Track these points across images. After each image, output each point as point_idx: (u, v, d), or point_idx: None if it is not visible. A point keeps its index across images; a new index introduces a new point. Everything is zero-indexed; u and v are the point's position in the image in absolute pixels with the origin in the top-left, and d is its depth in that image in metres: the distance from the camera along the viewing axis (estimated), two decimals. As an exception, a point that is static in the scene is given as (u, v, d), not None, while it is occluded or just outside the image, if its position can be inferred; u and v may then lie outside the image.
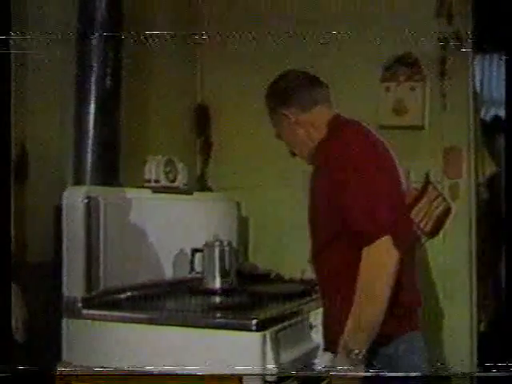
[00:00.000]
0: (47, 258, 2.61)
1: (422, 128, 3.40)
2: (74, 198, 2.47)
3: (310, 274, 2.72)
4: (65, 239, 2.46)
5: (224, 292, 2.79)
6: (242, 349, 2.16)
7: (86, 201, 2.45)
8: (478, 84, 3.61)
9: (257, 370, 2.13)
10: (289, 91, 2.22)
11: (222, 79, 3.68)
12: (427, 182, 3.35)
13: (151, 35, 2.97)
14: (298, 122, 2.18)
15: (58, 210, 2.52)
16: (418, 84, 3.41)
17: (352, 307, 1.89)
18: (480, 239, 3.42)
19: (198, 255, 2.89)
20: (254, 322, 2.17)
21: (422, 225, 3.29)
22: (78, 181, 2.67)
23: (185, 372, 2.14)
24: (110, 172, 2.75)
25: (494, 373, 1.88)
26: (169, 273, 2.86)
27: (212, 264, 2.83)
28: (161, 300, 2.63)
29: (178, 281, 2.87)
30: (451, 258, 3.35)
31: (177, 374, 2.14)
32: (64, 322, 2.41)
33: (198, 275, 2.87)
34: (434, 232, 3.35)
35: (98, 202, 2.48)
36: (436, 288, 3.33)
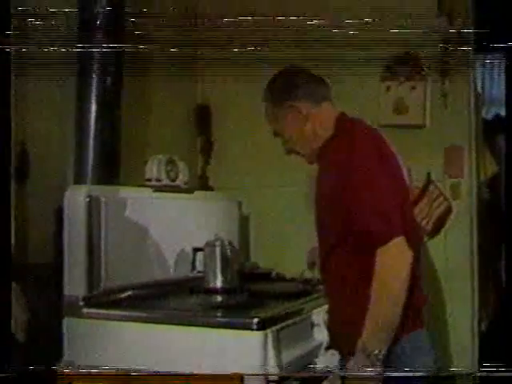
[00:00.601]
0: (48, 257, 2.61)
1: (422, 127, 3.41)
2: (75, 198, 2.46)
3: (310, 273, 2.74)
4: (66, 238, 2.45)
5: (225, 291, 2.78)
6: (244, 348, 2.15)
7: (87, 200, 2.45)
8: (479, 83, 3.61)
9: (258, 369, 2.12)
10: (299, 84, 2.17)
11: (223, 78, 3.68)
12: (428, 181, 3.36)
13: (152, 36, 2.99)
14: (307, 117, 2.13)
15: (59, 210, 2.51)
16: (419, 83, 3.42)
17: (369, 308, 1.88)
18: (481, 238, 3.42)
19: (199, 254, 2.88)
20: (256, 321, 2.16)
21: (423, 224, 3.30)
22: (79, 180, 2.67)
23: (186, 371, 2.14)
24: (111, 171, 2.75)
25: (495, 373, 1.88)
26: (170, 272, 2.86)
27: (213, 263, 2.82)
28: (162, 299, 2.63)
29: (179, 280, 2.87)
30: (452, 257, 3.35)
31: (177, 373, 2.14)
32: (65, 321, 2.40)
33: (199, 274, 2.86)
34: (434, 231, 3.36)
35: (100, 202, 2.48)
36: (437, 287, 3.33)
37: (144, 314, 2.38)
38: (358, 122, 2.12)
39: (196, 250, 2.88)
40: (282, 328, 2.27)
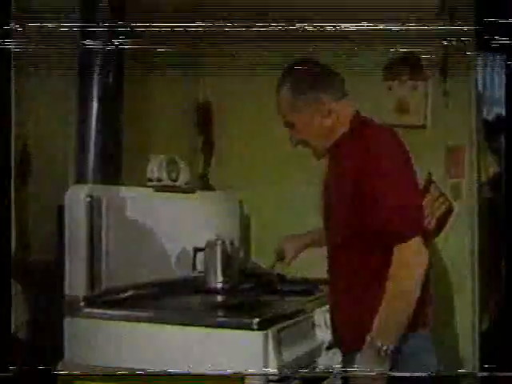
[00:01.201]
0: (49, 256, 2.61)
1: (424, 127, 3.41)
2: (77, 197, 2.46)
3: (311, 272, 2.74)
4: (67, 238, 2.45)
5: (226, 291, 2.79)
6: (244, 347, 2.16)
7: (88, 199, 2.45)
8: (480, 83, 3.61)
9: (259, 368, 2.12)
10: (324, 76, 2.12)
11: (224, 78, 3.68)
12: (429, 181, 3.35)
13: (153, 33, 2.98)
14: (329, 110, 2.07)
15: (60, 209, 2.52)
16: (421, 83, 3.42)
17: (382, 304, 1.88)
18: (482, 239, 3.42)
19: (200, 254, 2.89)
20: (256, 320, 2.16)
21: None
22: (81, 179, 2.67)
23: (186, 371, 2.14)
24: (112, 171, 2.75)
25: (496, 373, 1.88)
26: (171, 272, 2.86)
27: (214, 263, 2.83)
28: (163, 299, 2.63)
29: (180, 280, 2.87)
30: (453, 257, 3.35)
31: (178, 373, 2.14)
32: (66, 320, 2.40)
33: (200, 274, 2.87)
34: (436, 231, 3.35)
35: (101, 201, 2.48)
36: (438, 287, 3.32)
37: (145, 314, 2.38)
38: (372, 121, 2.11)
39: (197, 249, 2.89)
40: (283, 328, 2.28)
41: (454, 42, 3.36)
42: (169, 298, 2.66)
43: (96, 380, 2.25)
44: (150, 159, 2.89)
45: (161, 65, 3.39)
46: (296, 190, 3.50)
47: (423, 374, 1.86)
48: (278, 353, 2.19)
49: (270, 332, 2.17)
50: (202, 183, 3.70)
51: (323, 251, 2.16)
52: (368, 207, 1.92)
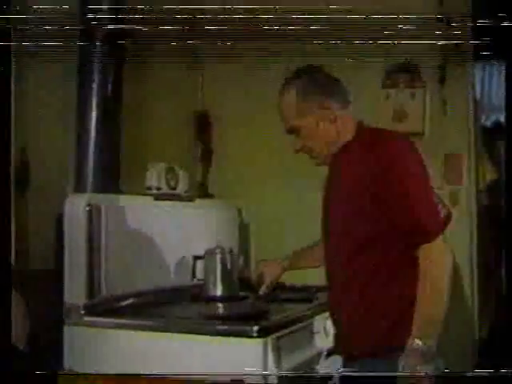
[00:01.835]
0: (49, 265, 2.62)
1: (422, 134, 3.42)
2: (76, 206, 2.47)
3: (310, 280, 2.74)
4: (66, 246, 2.45)
5: (225, 299, 2.79)
6: (244, 355, 2.15)
7: (87, 208, 2.45)
8: (478, 90, 3.62)
9: (258, 377, 2.12)
10: (330, 83, 2.14)
11: (223, 87, 3.70)
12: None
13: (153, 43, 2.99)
14: (336, 117, 2.09)
15: (59, 218, 2.52)
16: (419, 90, 3.44)
17: (418, 306, 1.89)
18: (480, 245, 3.43)
19: (199, 262, 2.89)
20: (256, 328, 2.16)
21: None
22: (80, 188, 2.68)
23: (186, 378, 2.14)
24: (111, 179, 2.76)
25: (494, 373, 1.89)
26: (170, 280, 2.86)
27: (213, 271, 2.83)
28: (162, 307, 2.63)
29: (180, 288, 2.87)
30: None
31: (178, 380, 2.14)
32: (65, 328, 2.40)
33: (200, 282, 2.87)
34: (434, 238, 3.35)
35: (100, 210, 2.48)
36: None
37: (144, 322, 2.38)
38: (376, 129, 2.13)
39: (196, 257, 2.89)
40: (283, 335, 2.27)
41: (451, 50, 3.38)
42: (168, 306, 2.66)
43: (98, 380, 2.24)
44: (148, 168, 2.90)
45: (160, 73, 3.42)
46: (295, 198, 3.51)
47: (423, 374, 1.85)
48: (278, 360, 2.19)
49: (269, 339, 2.17)
50: (201, 191, 3.71)
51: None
52: (391, 209, 1.93)
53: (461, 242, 3.35)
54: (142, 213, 2.72)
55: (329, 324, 2.29)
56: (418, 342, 1.87)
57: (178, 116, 3.62)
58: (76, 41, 2.75)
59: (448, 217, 1.96)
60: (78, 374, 2.28)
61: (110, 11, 2.74)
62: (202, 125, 3.76)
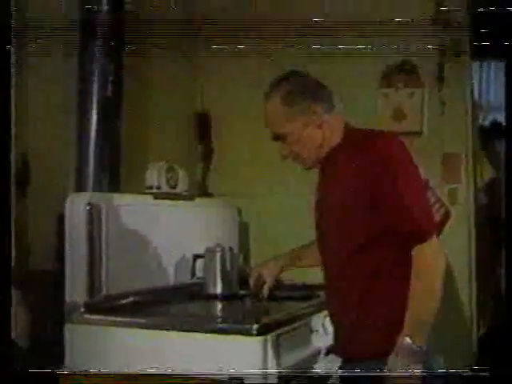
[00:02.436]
0: (50, 264, 2.63)
1: (420, 134, 3.43)
2: (76, 205, 2.49)
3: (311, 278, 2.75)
4: (67, 245, 2.47)
5: (225, 297, 2.81)
6: (244, 353, 2.17)
7: (87, 207, 2.47)
8: (476, 89, 3.64)
9: (257, 374, 2.13)
10: (314, 88, 2.11)
11: (223, 86, 3.71)
12: (426, 187, 3.37)
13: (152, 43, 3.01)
14: (322, 122, 2.08)
15: (60, 217, 2.54)
16: (417, 90, 3.45)
17: (411, 305, 1.90)
18: (479, 244, 3.44)
19: (199, 261, 2.91)
20: (255, 326, 2.17)
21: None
22: (80, 187, 2.70)
23: (186, 376, 2.15)
24: (111, 179, 2.77)
25: (492, 373, 1.90)
26: (170, 278, 2.87)
27: (213, 269, 2.85)
28: (162, 305, 2.64)
29: (180, 286, 2.89)
30: (450, 262, 3.36)
31: (178, 376, 2.15)
32: (66, 327, 2.42)
33: (200, 281, 2.89)
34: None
35: (100, 209, 2.50)
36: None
37: (145, 320, 2.40)
38: (364, 130, 2.12)
39: (196, 256, 2.91)
40: (282, 333, 2.28)
41: (449, 50, 3.39)
42: (168, 304, 2.67)
43: (97, 377, 2.25)
44: (149, 167, 2.92)
45: (160, 73, 3.43)
46: (295, 197, 3.51)
47: (424, 374, 1.86)
48: (277, 358, 2.21)
49: (269, 337, 2.19)
50: (201, 190, 3.72)
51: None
52: (385, 210, 1.94)
53: (459, 241, 3.36)
54: (142, 212, 2.74)
55: (328, 322, 2.30)
56: (408, 340, 1.87)
57: (178, 115, 3.63)
58: (76, 45, 2.77)
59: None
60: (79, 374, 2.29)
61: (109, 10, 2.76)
62: (203, 124, 3.77)
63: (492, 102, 4.48)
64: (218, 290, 2.83)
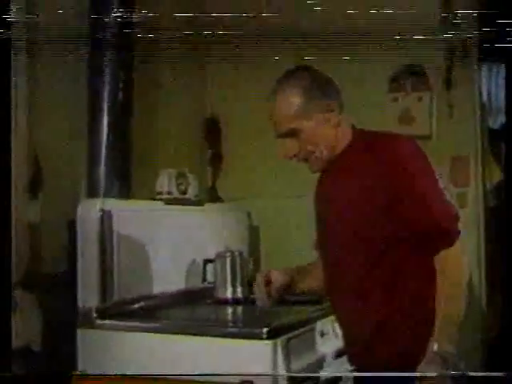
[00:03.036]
0: (62, 269, 2.66)
1: (429, 137, 3.43)
2: (88, 211, 2.51)
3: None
4: (79, 251, 2.50)
5: (235, 301, 2.82)
6: (254, 357, 2.19)
7: (99, 213, 2.50)
8: (484, 92, 3.64)
9: (267, 378, 2.15)
10: (333, 84, 1.99)
11: (232, 92, 3.73)
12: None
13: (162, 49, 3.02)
14: (338, 121, 1.97)
15: (72, 223, 2.56)
16: (425, 94, 3.45)
17: (441, 309, 1.81)
18: (488, 246, 3.44)
19: (209, 265, 2.93)
20: (265, 330, 2.18)
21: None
22: (92, 193, 2.73)
23: (197, 379, 2.16)
24: (122, 184, 2.80)
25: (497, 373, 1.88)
26: (181, 283, 2.89)
27: (223, 274, 2.87)
28: (174, 310, 2.66)
29: (191, 291, 2.91)
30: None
31: (189, 380, 2.16)
32: (79, 332, 2.44)
33: (210, 285, 2.91)
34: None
35: (111, 215, 2.52)
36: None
37: (156, 325, 2.42)
38: (374, 132, 2.02)
39: (207, 261, 2.93)
40: (292, 337, 2.30)
41: (457, 53, 3.40)
42: (179, 308, 2.70)
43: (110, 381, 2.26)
44: (159, 173, 2.94)
45: (170, 79, 3.45)
46: (304, 201, 3.52)
47: (426, 375, 1.77)
48: (287, 362, 2.22)
49: (279, 341, 2.20)
50: (211, 195, 3.73)
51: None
52: (407, 213, 1.84)
53: (469, 244, 3.36)
54: (153, 217, 2.76)
55: (337, 325, 2.31)
56: (439, 346, 1.77)
57: (187, 121, 3.65)
58: (87, 48, 2.80)
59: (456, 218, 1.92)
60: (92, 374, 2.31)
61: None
62: (212, 129, 3.78)
63: (501, 105, 4.47)
64: (229, 294, 2.85)
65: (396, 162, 1.87)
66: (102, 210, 2.51)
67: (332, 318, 2.44)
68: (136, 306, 2.61)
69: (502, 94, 4.52)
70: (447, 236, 1.84)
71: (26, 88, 2.57)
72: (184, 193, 2.97)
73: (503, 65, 4.44)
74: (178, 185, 2.93)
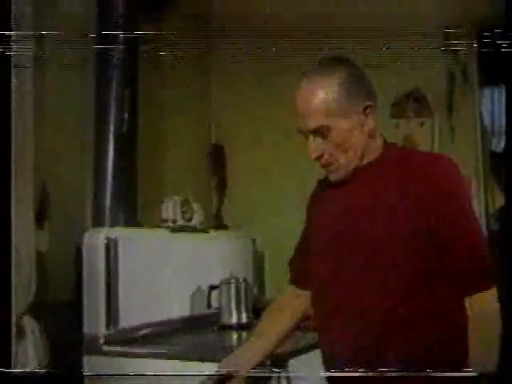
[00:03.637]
0: (69, 296, 2.68)
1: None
2: (94, 240, 2.55)
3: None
4: (85, 279, 2.53)
5: (240, 327, 2.84)
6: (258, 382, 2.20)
7: (105, 242, 2.53)
8: (485, 116, 3.67)
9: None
10: (371, 84, 1.74)
11: (236, 118, 3.77)
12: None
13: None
14: (374, 128, 1.72)
15: (78, 251, 2.60)
16: (427, 119, 3.48)
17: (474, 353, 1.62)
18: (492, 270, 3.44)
19: (214, 292, 2.95)
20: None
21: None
22: (98, 221, 2.76)
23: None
24: (128, 212, 2.84)
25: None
26: (186, 309, 2.92)
27: (228, 300, 2.89)
28: (179, 336, 2.69)
29: (196, 317, 2.93)
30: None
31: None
32: (85, 358, 2.46)
33: (215, 311, 2.93)
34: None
35: (117, 243, 2.56)
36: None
37: (162, 351, 2.44)
38: (411, 149, 1.91)
39: (212, 287, 2.95)
40: (295, 363, 2.33)
41: (458, 78, 3.43)
42: (185, 335, 2.72)
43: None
44: (164, 201, 2.97)
45: (174, 106, 3.49)
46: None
47: (424, 374, 1.61)
48: (290, 386, 2.24)
49: (282, 368, 2.23)
50: (216, 222, 3.76)
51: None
52: (447, 245, 1.64)
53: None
54: (158, 245, 2.79)
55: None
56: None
57: (192, 148, 3.68)
58: (92, 78, 2.84)
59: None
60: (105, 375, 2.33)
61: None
62: (217, 157, 3.82)
63: (502, 128, 4.50)
64: (234, 320, 2.87)
65: (443, 186, 1.66)
66: (108, 239, 2.54)
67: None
68: (142, 332, 2.63)
69: (503, 118, 4.55)
70: (486, 277, 1.67)
71: (31, 114, 2.60)
72: (189, 220, 3.00)
73: (503, 88, 4.49)
74: (182, 212, 2.96)
